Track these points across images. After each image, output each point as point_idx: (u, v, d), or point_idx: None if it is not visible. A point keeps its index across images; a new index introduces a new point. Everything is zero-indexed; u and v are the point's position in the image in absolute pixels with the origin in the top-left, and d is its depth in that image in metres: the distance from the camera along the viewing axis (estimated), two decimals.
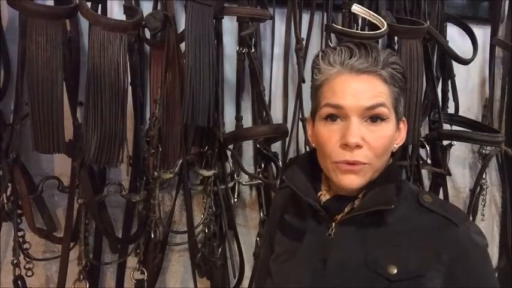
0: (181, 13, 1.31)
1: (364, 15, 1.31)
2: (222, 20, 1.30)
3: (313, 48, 1.44)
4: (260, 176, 1.42)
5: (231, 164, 1.41)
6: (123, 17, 1.23)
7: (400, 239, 0.79)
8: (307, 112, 1.37)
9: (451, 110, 1.64)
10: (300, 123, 1.40)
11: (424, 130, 1.57)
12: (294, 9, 1.37)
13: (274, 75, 1.45)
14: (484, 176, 1.66)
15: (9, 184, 1.17)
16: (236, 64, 1.38)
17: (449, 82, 1.62)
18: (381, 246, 0.79)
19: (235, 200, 1.43)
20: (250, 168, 1.44)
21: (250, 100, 1.44)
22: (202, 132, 1.30)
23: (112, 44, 1.07)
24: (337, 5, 1.40)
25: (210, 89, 1.18)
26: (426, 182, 1.61)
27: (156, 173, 1.22)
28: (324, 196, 0.85)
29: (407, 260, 0.77)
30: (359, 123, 0.77)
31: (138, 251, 1.31)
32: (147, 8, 1.27)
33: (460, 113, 1.64)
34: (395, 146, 0.84)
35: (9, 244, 1.25)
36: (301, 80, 1.36)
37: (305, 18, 1.41)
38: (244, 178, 1.45)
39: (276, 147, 1.45)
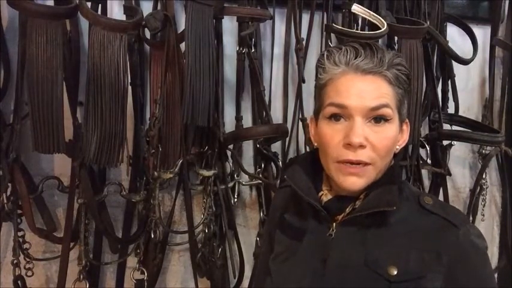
0: (181, 13, 1.31)
1: (364, 15, 1.31)
2: (222, 20, 1.30)
3: (313, 48, 1.45)
4: (260, 176, 1.42)
5: (231, 164, 1.41)
6: (123, 17, 1.23)
7: (400, 240, 0.79)
8: (307, 112, 1.38)
9: (451, 110, 1.64)
10: (300, 123, 1.40)
11: (424, 130, 1.57)
12: (294, 9, 1.37)
13: (274, 75, 1.45)
14: (484, 176, 1.66)
15: (9, 184, 1.17)
16: (236, 64, 1.38)
17: (449, 82, 1.62)
18: (382, 247, 0.79)
19: (235, 200, 1.43)
20: (250, 168, 1.44)
21: (250, 100, 1.44)
22: (202, 132, 1.30)
23: (112, 44, 1.07)
24: (337, 5, 1.40)
25: (210, 89, 1.18)
26: (426, 182, 1.61)
27: (156, 173, 1.22)
28: (325, 196, 0.85)
29: (408, 261, 0.77)
30: (363, 123, 0.77)
31: (138, 251, 1.31)
32: (147, 8, 1.27)
33: (460, 113, 1.64)
34: (397, 147, 0.84)
35: (9, 244, 1.25)
36: (301, 80, 1.36)
37: (305, 18, 1.41)
38: (244, 178, 1.45)
39: (276, 147, 1.45)
